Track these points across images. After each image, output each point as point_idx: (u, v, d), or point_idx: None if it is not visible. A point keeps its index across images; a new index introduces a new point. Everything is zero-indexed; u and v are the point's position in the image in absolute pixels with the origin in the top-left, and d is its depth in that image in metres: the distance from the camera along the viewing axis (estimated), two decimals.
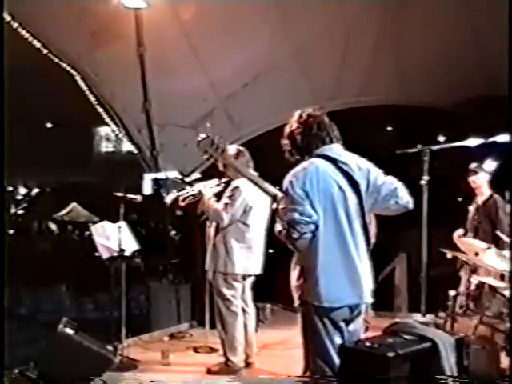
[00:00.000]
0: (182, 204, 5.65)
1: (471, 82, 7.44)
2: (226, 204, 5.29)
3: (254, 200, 5.29)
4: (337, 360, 3.35)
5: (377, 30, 6.95)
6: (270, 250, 5.66)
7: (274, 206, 3.50)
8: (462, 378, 3.45)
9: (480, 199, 6.41)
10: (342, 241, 3.34)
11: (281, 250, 3.74)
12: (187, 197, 5.60)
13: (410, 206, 3.61)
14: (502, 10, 5.74)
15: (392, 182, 3.57)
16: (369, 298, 3.47)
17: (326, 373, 3.34)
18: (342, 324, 3.38)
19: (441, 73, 7.37)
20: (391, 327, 3.68)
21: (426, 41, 6.99)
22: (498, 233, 5.72)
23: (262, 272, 5.51)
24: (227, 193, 5.38)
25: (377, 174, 3.53)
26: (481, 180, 6.38)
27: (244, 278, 5.49)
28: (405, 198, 3.56)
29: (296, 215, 3.24)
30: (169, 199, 5.76)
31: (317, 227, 3.27)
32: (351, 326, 3.45)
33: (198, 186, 5.60)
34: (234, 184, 5.37)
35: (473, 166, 6.43)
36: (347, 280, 3.34)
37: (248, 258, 5.39)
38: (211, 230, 5.53)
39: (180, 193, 5.67)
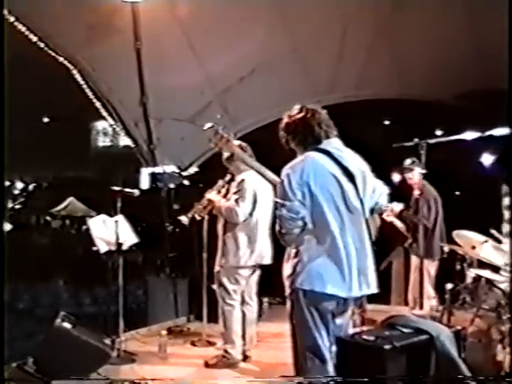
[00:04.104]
0: (199, 218, 5.81)
1: (469, 75, 7.41)
2: (237, 199, 5.24)
3: (260, 191, 5.26)
4: (326, 352, 3.37)
5: (374, 23, 6.92)
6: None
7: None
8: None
9: (416, 193, 6.31)
10: (342, 231, 3.39)
11: (278, 244, 3.78)
12: (200, 210, 5.71)
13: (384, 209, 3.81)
14: (500, 3, 5.72)
15: (381, 185, 3.73)
16: (371, 289, 3.50)
17: (315, 365, 3.36)
18: (329, 317, 3.41)
19: (438, 66, 7.34)
20: (388, 320, 3.71)
21: (423, 34, 6.96)
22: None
23: (273, 262, 5.42)
24: (234, 188, 5.35)
25: (371, 174, 3.65)
26: (416, 176, 6.37)
27: (253, 270, 5.48)
28: (385, 202, 3.74)
29: (284, 211, 3.36)
30: (186, 221, 5.75)
31: (305, 223, 3.36)
32: (338, 320, 3.49)
33: (205, 197, 5.63)
34: (238, 179, 5.34)
35: (407, 162, 6.47)
36: (341, 270, 3.36)
37: (257, 249, 5.36)
38: (219, 227, 5.51)
39: (192, 211, 5.73)
